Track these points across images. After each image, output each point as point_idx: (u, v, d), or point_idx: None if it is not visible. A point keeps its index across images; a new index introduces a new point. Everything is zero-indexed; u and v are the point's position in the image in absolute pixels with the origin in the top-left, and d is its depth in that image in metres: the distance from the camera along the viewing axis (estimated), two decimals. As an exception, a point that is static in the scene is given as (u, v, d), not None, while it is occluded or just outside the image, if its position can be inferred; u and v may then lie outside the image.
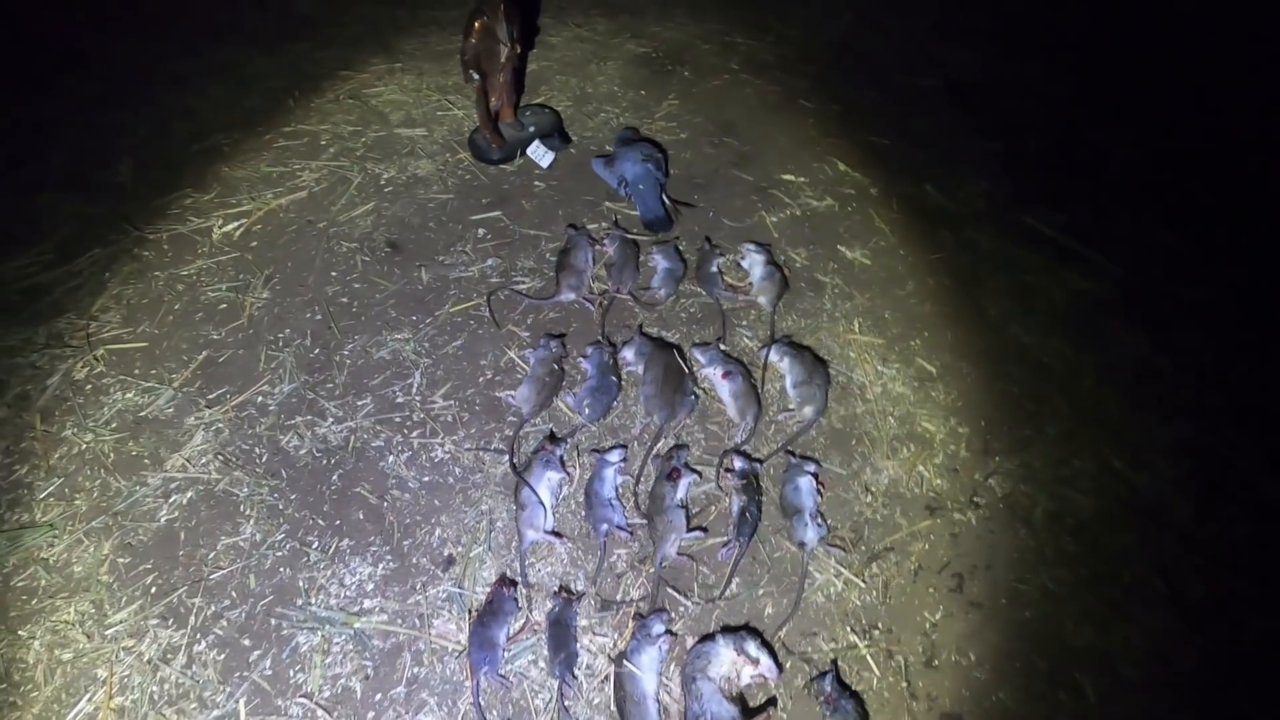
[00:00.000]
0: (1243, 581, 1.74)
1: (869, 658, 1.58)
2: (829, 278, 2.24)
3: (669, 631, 1.55)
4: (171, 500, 1.72)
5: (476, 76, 2.16)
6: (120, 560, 1.63)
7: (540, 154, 2.40)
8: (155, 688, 1.48)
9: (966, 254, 2.34)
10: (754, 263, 2.18)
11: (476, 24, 2.14)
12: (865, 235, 2.36)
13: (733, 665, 1.49)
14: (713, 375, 1.95)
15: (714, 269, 2.18)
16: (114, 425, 1.82)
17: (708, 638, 1.53)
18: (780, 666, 1.51)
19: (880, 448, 1.89)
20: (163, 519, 1.69)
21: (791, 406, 1.93)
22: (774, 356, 2.00)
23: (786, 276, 2.18)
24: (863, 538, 1.74)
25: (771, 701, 1.48)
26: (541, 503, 1.69)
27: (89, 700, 1.46)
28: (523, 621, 1.59)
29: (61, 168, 2.39)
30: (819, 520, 1.72)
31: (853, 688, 1.52)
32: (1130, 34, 3.10)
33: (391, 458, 1.81)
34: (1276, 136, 2.73)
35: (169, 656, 1.52)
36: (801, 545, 1.68)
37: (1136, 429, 1.98)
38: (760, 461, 1.82)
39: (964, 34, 3.10)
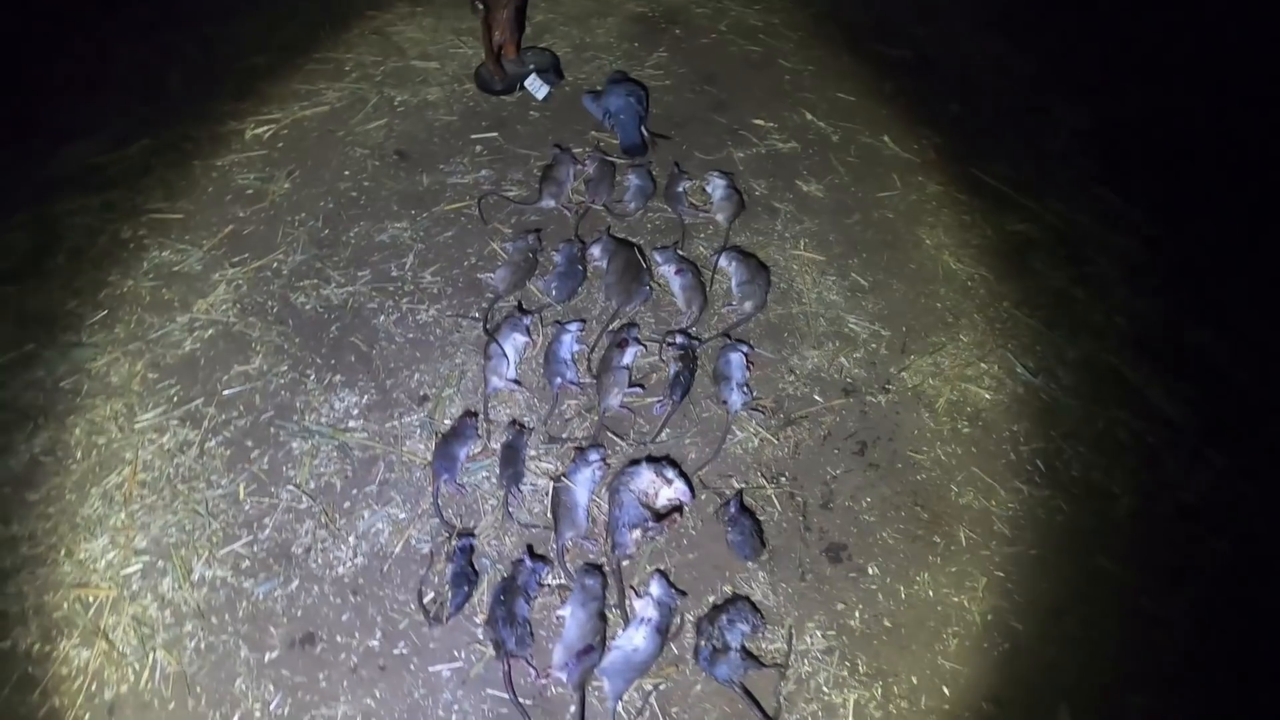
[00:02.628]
0: (1119, 470, 2.01)
1: (773, 497, 1.88)
2: (783, 205, 2.55)
3: (604, 461, 1.85)
4: (195, 334, 2.07)
5: (481, 7, 2.52)
6: (150, 375, 1.98)
7: (536, 86, 2.74)
8: (171, 470, 1.82)
9: (913, 195, 2.64)
10: (715, 186, 2.50)
11: (485, -38, 2.50)
12: (822, 173, 2.67)
13: (651, 483, 1.79)
14: (667, 272, 2.26)
15: (680, 189, 2.50)
16: (151, 275, 2.18)
17: (634, 462, 1.83)
18: (693, 491, 1.81)
19: (808, 340, 2.19)
20: (187, 347, 2.04)
21: (734, 303, 2.24)
22: (723, 261, 2.31)
23: (744, 199, 2.50)
24: (782, 407, 2.04)
25: (678, 509, 1.77)
26: (506, 355, 2.01)
27: (118, 474, 1.80)
28: (480, 447, 1.91)
29: (122, 77, 2.78)
30: (745, 389, 2.02)
31: (754, 514, 1.81)
32: (1095, 15, 3.39)
33: (383, 317, 2.15)
34: (1225, 109, 2.99)
35: (184, 448, 1.85)
36: (725, 403, 1.98)
37: (1044, 343, 2.25)
38: (699, 341, 2.12)
39: (940, 13, 3.40)
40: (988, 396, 2.11)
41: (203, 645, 1.58)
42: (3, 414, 1.87)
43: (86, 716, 1.49)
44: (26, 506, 1.74)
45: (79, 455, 1.83)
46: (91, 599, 1.62)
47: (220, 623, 1.61)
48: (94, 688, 1.52)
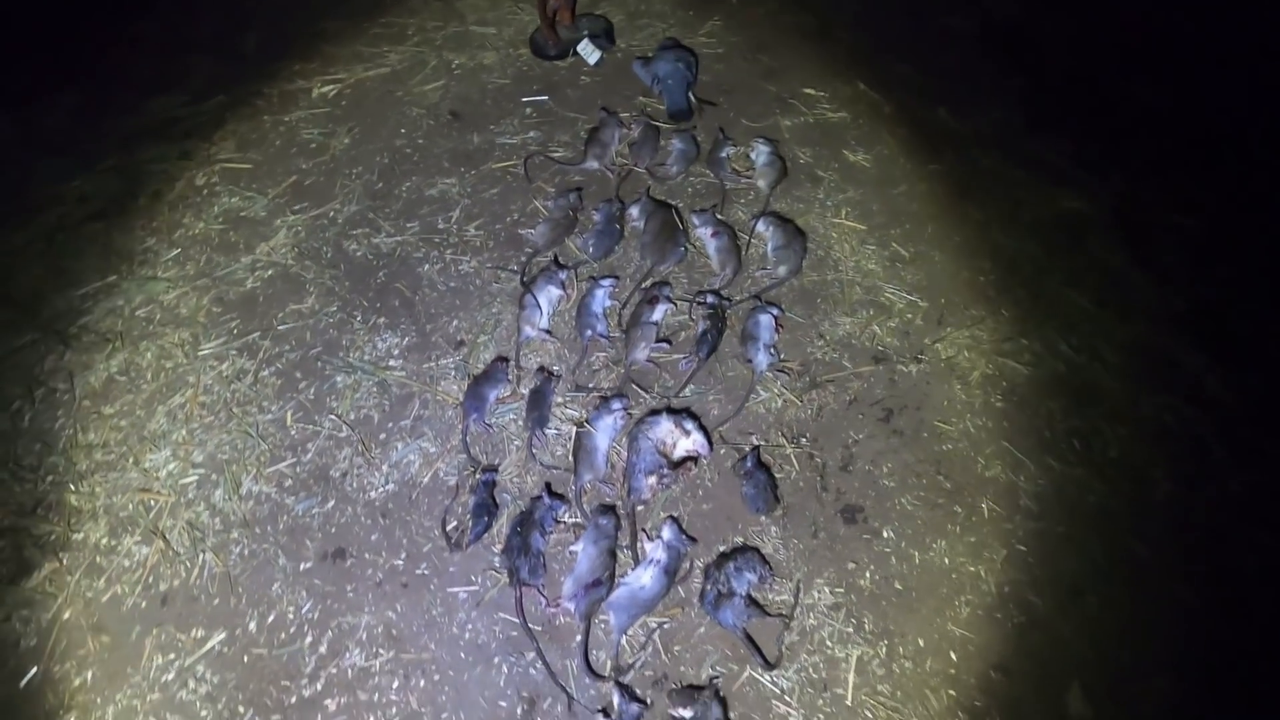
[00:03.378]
0: (1161, 456, 1.94)
1: (792, 456, 1.90)
2: (827, 174, 2.54)
3: (626, 411, 1.91)
4: (256, 274, 2.23)
5: (538, -27, 2.59)
6: (214, 309, 2.15)
7: (589, 51, 2.80)
8: (228, 394, 1.98)
9: (964, 169, 2.58)
10: (760, 152, 2.51)
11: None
12: (870, 144, 2.64)
13: (670, 433, 1.84)
14: (703, 234, 2.29)
15: (723, 154, 2.52)
16: (220, 219, 2.36)
17: (654, 412, 1.89)
18: (711, 444, 1.85)
19: (841, 307, 2.19)
20: (248, 285, 2.20)
21: (768, 267, 2.25)
22: (760, 226, 2.32)
23: (787, 166, 2.50)
24: (809, 371, 2.05)
25: (693, 459, 1.82)
26: (539, 306, 2.09)
27: (181, 396, 1.97)
28: (510, 390, 1.99)
29: (202, 38, 2.99)
30: (772, 351, 2.04)
31: (770, 470, 1.84)
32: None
33: (427, 266, 2.26)
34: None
35: (241, 375, 2.01)
36: (750, 362, 2.01)
37: (1091, 322, 2.19)
38: (730, 301, 2.15)
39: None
40: (1025, 372, 2.07)
41: (246, 551, 1.73)
42: (87, 336, 2.07)
43: (144, 604, 1.65)
44: (102, 419, 1.93)
45: (149, 376, 2.00)
46: (153, 503, 1.79)
47: (263, 533, 1.75)
48: (151, 580, 1.68)
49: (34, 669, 1.57)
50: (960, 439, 1.95)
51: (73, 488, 1.81)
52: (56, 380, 1.99)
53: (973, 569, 1.75)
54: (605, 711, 1.49)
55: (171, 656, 1.59)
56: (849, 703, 1.57)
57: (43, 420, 1.92)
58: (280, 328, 2.10)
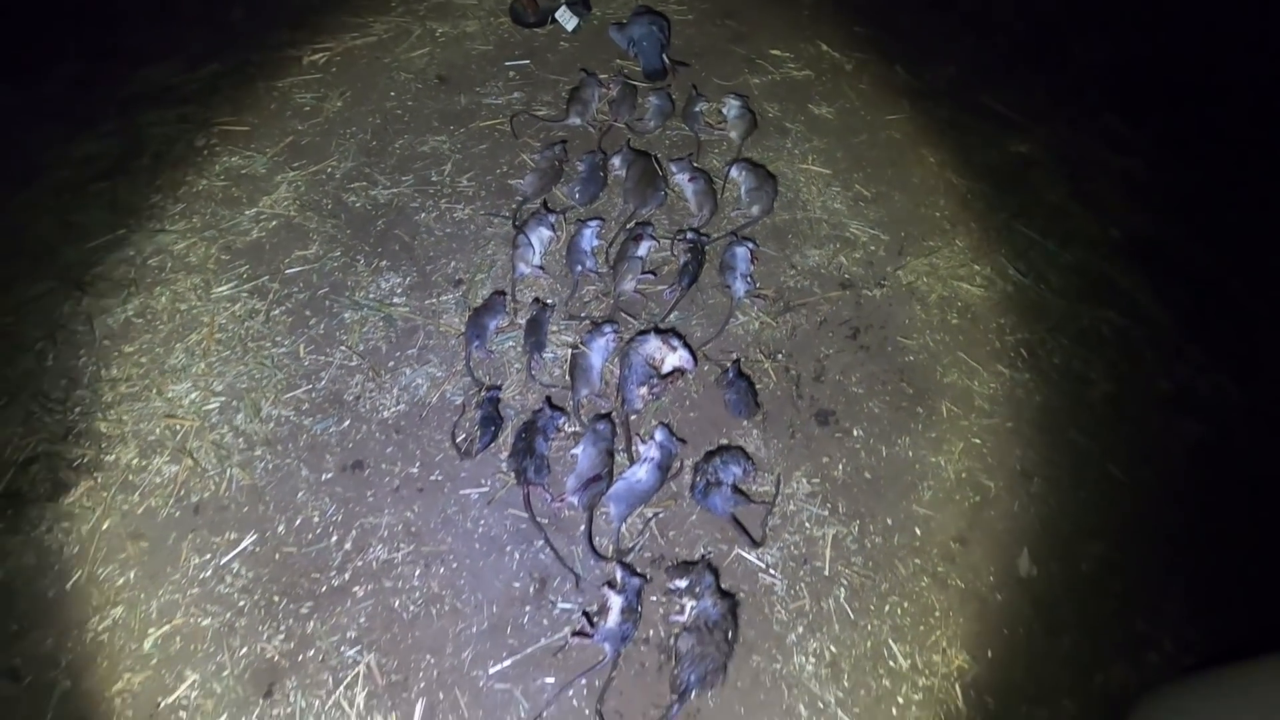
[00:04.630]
0: (1098, 361, 2.19)
1: (770, 370, 2.11)
2: (794, 126, 2.75)
3: (617, 334, 2.10)
4: (260, 225, 2.38)
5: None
6: (223, 257, 2.29)
7: (566, 18, 2.99)
8: (242, 331, 2.13)
9: (921, 119, 2.82)
10: (730, 106, 2.72)
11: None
12: (833, 98, 2.86)
13: (658, 349, 2.04)
14: (681, 179, 2.49)
15: (697, 109, 2.72)
16: (221, 176, 2.50)
17: (643, 332, 2.08)
18: (695, 359, 2.05)
19: (810, 241, 2.41)
20: (254, 235, 2.35)
21: (742, 207, 2.46)
22: (734, 172, 2.53)
23: (756, 119, 2.71)
24: (782, 296, 2.27)
25: (679, 371, 2.02)
26: (532, 245, 2.27)
27: (198, 334, 2.12)
28: (508, 321, 2.17)
29: (189, 12, 3.11)
30: (748, 279, 2.25)
31: (751, 380, 2.04)
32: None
33: (423, 215, 2.43)
34: (1240, 54, 3.09)
35: (253, 315, 2.16)
36: (729, 289, 2.21)
37: (1036, 250, 2.43)
38: (708, 237, 2.36)
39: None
40: (978, 293, 2.30)
41: (270, 466, 1.89)
42: (101, 283, 2.20)
43: (177, 514, 1.80)
44: (123, 356, 2.07)
45: (165, 318, 2.15)
46: (179, 427, 1.93)
47: (284, 450, 1.91)
48: (182, 493, 1.83)
49: (79, 572, 1.71)
50: (920, 351, 2.17)
51: (100, 416, 1.94)
52: (75, 323, 2.12)
53: (933, 459, 1.97)
54: (610, 584, 1.68)
55: (207, 557, 1.74)
56: (826, 573, 1.78)
57: (66, 359, 2.05)
58: (288, 272, 2.26)
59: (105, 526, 1.78)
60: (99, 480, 1.84)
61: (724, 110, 2.74)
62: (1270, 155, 2.69)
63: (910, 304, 2.27)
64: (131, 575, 1.71)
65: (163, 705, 1.56)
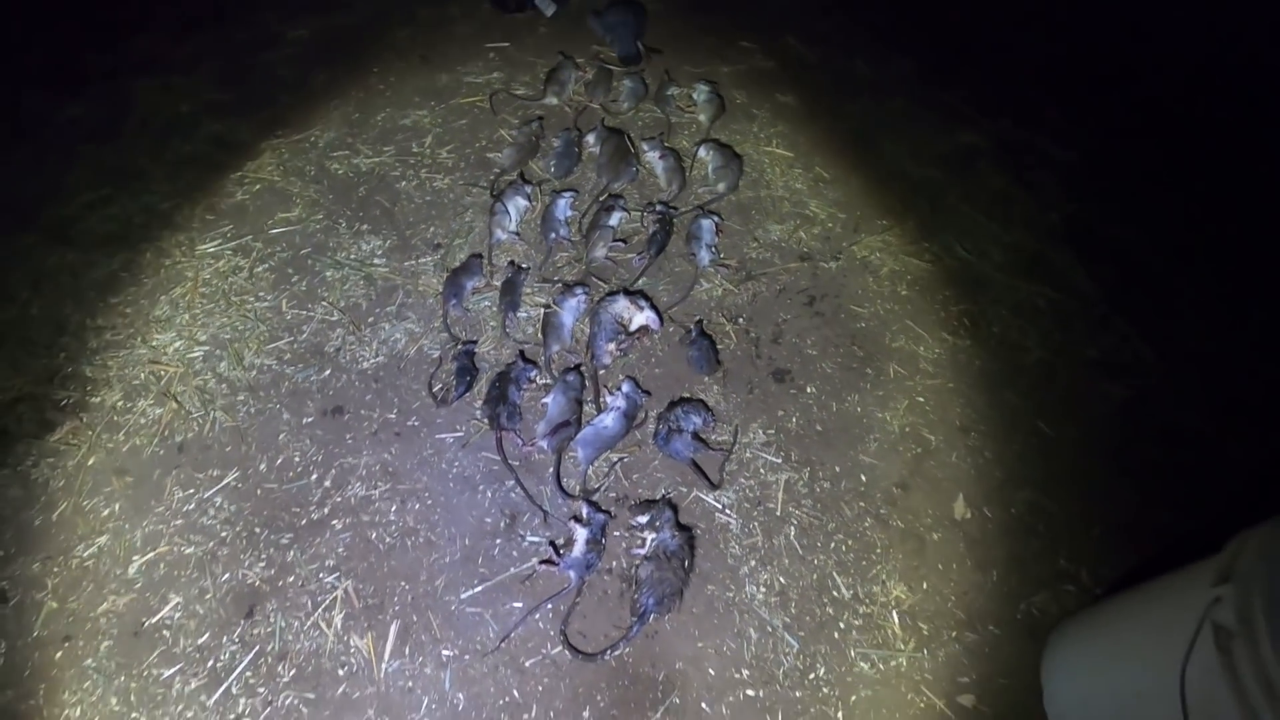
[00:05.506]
0: (1033, 330, 2.37)
1: (731, 332, 2.25)
2: (760, 112, 2.92)
3: (588, 296, 2.23)
4: (244, 188, 2.46)
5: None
6: (207, 217, 2.38)
7: (545, 4, 3.12)
8: (226, 286, 2.22)
9: (877, 109, 3.00)
10: (700, 91, 2.87)
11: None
12: (797, 88, 3.03)
13: (626, 309, 2.17)
14: (652, 157, 2.64)
15: (669, 93, 2.87)
16: (206, 142, 2.59)
17: (612, 293, 2.21)
18: (661, 319, 2.19)
19: (772, 217, 2.56)
20: (238, 197, 2.44)
21: (709, 184, 2.61)
22: (702, 152, 2.68)
23: (725, 104, 2.87)
24: (744, 266, 2.41)
25: (645, 329, 2.15)
26: (509, 212, 2.40)
27: (182, 287, 2.20)
28: (484, 282, 2.29)
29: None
30: (713, 249, 2.39)
31: (713, 339, 2.19)
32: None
33: (404, 183, 2.54)
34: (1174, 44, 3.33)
35: (237, 271, 2.25)
36: (694, 257, 2.36)
37: (980, 230, 2.62)
38: (676, 209, 2.50)
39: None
40: (926, 268, 2.48)
41: (253, 410, 1.98)
42: (87, 239, 2.27)
43: (162, 452, 1.88)
44: (109, 307, 2.14)
45: (149, 272, 2.22)
46: (163, 373, 2.01)
47: (266, 395, 2.00)
48: (167, 434, 1.91)
49: (65, 504, 1.78)
50: (872, 319, 2.34)
51: (86, 362, 2.02)
52: (61, 275, 2.19)
53: (880, 415, 2.13)
54: (576, 518, 1.80)
55: (191, 491, 1.83)
56: (778, 513, 1.92)
57: (51, 309, 2.12)
58: (271, 232, 2.35)
59: (91, 463, 1.85)
60: (84, 420, 1.92)
61: (694, 95, 2.89)
62: (1195, 147, 2.92)
63: (863, 276, 2.44)
64: (117, 507, 1.79)
65: (147, 625, 1.64)
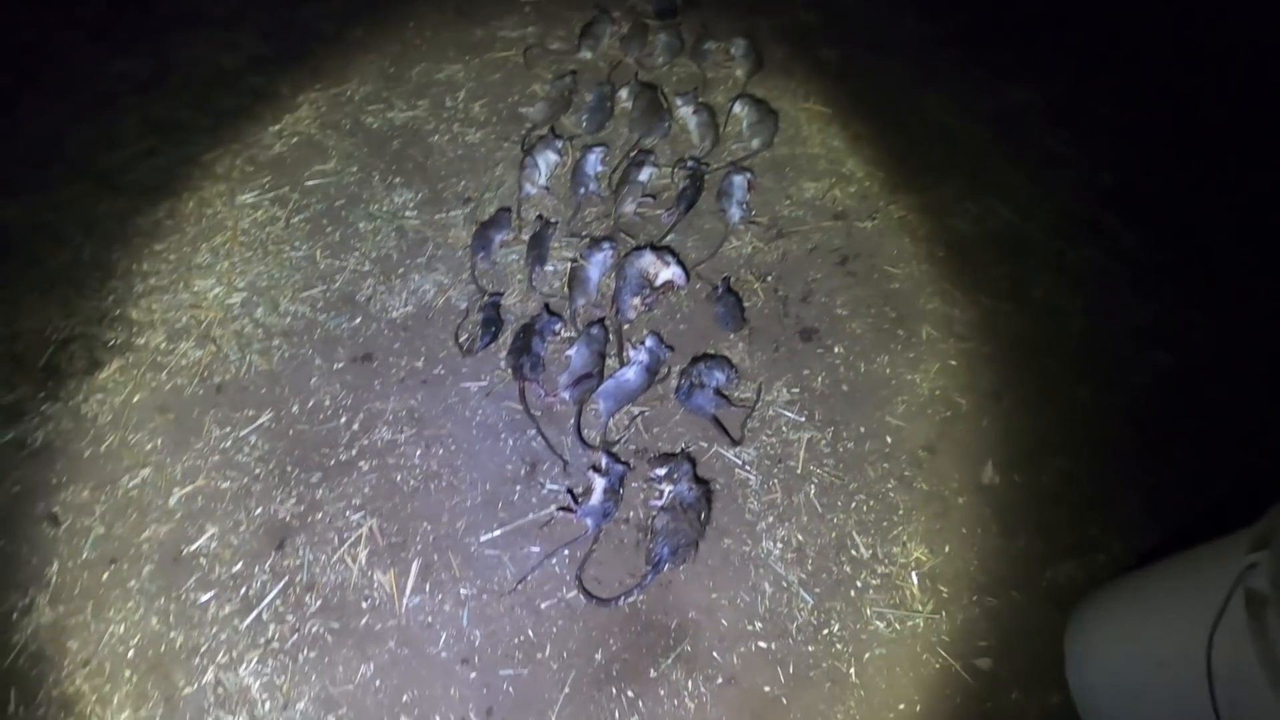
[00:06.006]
0: (1078, 296, 2.27)
1: (759, 290, 2.22)
2: (799, 67, 2.83)
3: (615, 251, 2.22)
4: (283, 140, 2.51)
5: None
6: (247, 168, 2.44)
7: (582, -44, 3.06)
8: (263, 236, 2.28)
9: (925, 67, 2.88)
10: (738, 45, 2.80)
11: None
12: (841, 44, 2.93)
13: (653, 264, 2.15)
14: (685, 112, 2.59)
15: (706, 47, 2.81)
16: (247, 94, 2.64)
17: (639, 247, 2.20)
18: (688, 275, 2.17)
19: (808, 174, 2.50)
20: (276, 149, 2.49)
21: (743, 140, 2.55)
22: (737, 108, 2.62)
23: (762, 59, 2.79)
24: (776, 223, 2.37)
25: (669, 285, 2.13)
26: (539, 166, 2.39)
27: (222, 236, 2.27)
28: (513, 235, 2.30)
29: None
30: (744, 206, 2.35)
31: (739, 296, 2.16)
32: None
33: (437, 137, 2.55)
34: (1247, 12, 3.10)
35: (274, 221, 2.31)
36: (724, 213, 2.32)
37: (1028, 192, 2.51)
38: (708, 166, 2.46)
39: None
40: (967, 230, 2.39)
41: (287, 355, 2.04)
42: (134, 188, 2.36)
43: (201, 392, 1.96)
44: (154, 254, 2.23)
45: (192, 221, 2.30)
46: (203, 317, 2.09)
47: (300, 341, 2.06)
48: (205, 374, 1.99)
49: (112, 437, 1.88)
50: (906, 280, 2.28)
51: (132, 305, 2.11)
52: (109, 222, 2.28)
53: (910, 377, 2.08)
54: (595, 468, 1.82)
55: (227, 429, 1.90)
56: (799, 471, 1.91)
57: (100, 254, 2.21)
58: (307, 184, 2.40)
59: (136, 400, 1.94)
60: (130, 360, 2.01)
61: (732, 50, 2.82)
62: (1267, 111, 2.73)
63: (900, 236, 2.37)
64: (159, 442, 1.88)
65: (185, 552, 1.73)
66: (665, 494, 1.79)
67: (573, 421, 1.93)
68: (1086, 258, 2.36)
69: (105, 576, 1.70)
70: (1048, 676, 1.66)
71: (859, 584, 1.76)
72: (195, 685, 1.58)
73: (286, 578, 1.70)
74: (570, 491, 1.82)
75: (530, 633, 1.66)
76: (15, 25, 2.79)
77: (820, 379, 2.06)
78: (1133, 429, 2.02)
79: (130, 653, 1.61)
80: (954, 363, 2.12)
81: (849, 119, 2.67)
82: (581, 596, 1.69)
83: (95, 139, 2.48)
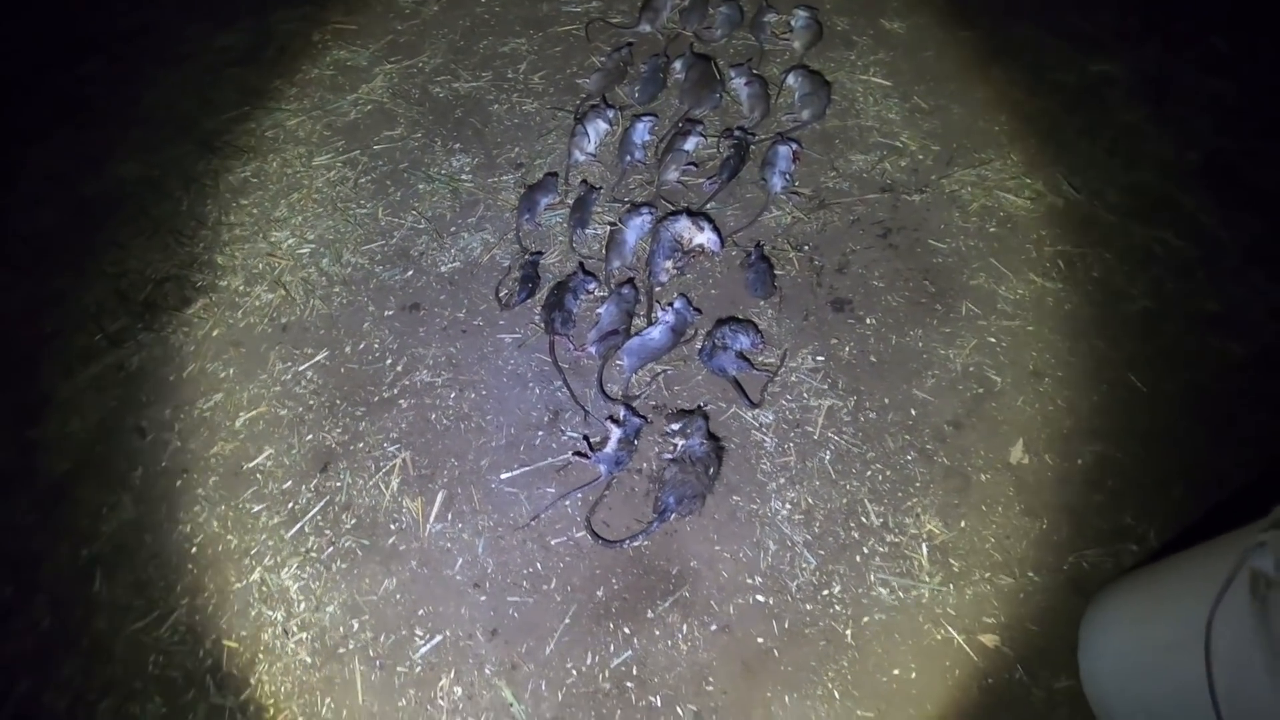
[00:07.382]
0: (1143, 278, 2.16)
1: (794, 260, 2.23)
2: (861, 39, 2.79)
3: (653, 215, 2.29)
4: (358, 108, 2.73)
5: None
6: (325, 133, 2.66)
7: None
8: (334, 194, 2.49)
9: (997, 37, 2.78)
10: (798, 17, 2.79)
11: None
12: (907, 14, 2.87)
13: (688, 228, 2.21)
14: (738, 84, 2.62)
15: (766, 19, 2.82)
16: (330, 66, 2.87)
17: (675, 212, 2.26)
18: (722, 242, 2.21)
19: (858, 147, 2.48)
20: (351, 116, 2.70)
21: (794, 112, 2.56)
22: (790, 79, 2.62)
23: (823, 30, 2.77)
24: (819, 194, 2.37)
25: (701, 249, 2.18)
26: (588, 134, 2.49)
27: (299, 193, 2.50)
28: (558, 199, 2.41)
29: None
30: (787, 176, 2.36)
31: (772, 264, 2.18)
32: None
33: (496, 106, 2.69)
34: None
35: (344, 181, 2.52)
36: (765, 182, 2.34)
37: (1098, 168, 2.39)
38: (754, 135, 2.48)
39: None
40: (1023, 205, 2.31)
41: (345, 301, 2.24)
42: (228, 148, 2.63)
43: (269, 330, 2.19)
44: (240, 207, 2.48)
45: (274, 179, 2.54)
46: (276, 265, 2.32)
47: (357, 289, 2.26)
48: (274, 315, 2.22)
49: (193, 365, 2.13)
50: (951, 255, 2.23)
51: (219, 251, 2.36)
52: (206, 179, 2.56)
53: (943, 352, 2.05)
54: (613, 419, 1.90)
55: (289, 364, 2.11)
56: (816, 437, 1.92)
57: (196, 206, 2.49)
58: (376, 148, 2.60)
59: (215, 334, 2.19)
60: (213, 299, 2.26)
61: (791, 21, 2.82)
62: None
63: (949, 210, 2.31)
64: (231, 372, 2.11)
65: (245, 468, 1.94)
66: (677, 448, 1.85)
67: (596, 375, 2.02)
68: (1158, 238, 2.22)
69: (178, 484, 1.94)
70: (1058, 661, 1.62)
71: (865, 550, 1.77)
72: (244, 582, 1.79)
73: (328, 497, 1.89)
74: (586, 438, 1.91)
75: (539, 565, 1.77)
76: (137, 5, 3.14)
77: (848, 349, 2.06)
78: (1190, 419, 1.91)
79: (193, 549, 1.84)
80: (993, 340, 2.06)
81: (909, 92, 2.62)
82: (589, 537, 1.78)
83: (199, 106, 2.77)
